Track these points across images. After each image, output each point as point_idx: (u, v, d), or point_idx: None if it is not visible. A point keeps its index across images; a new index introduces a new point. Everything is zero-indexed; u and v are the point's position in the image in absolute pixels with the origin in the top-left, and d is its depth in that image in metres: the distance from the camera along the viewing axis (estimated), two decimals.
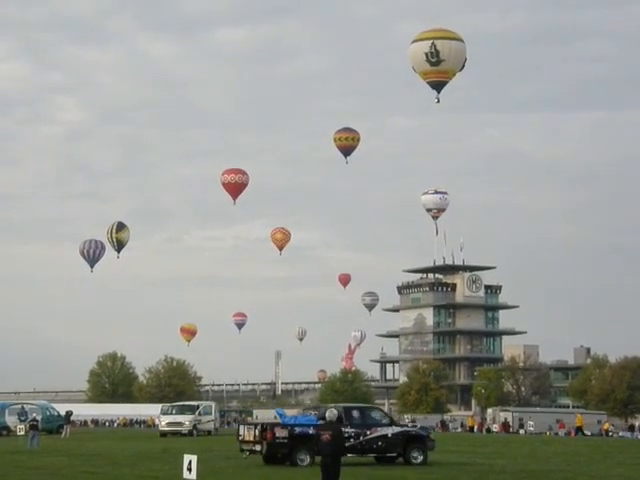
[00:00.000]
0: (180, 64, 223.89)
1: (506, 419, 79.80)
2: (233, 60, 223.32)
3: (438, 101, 50.77)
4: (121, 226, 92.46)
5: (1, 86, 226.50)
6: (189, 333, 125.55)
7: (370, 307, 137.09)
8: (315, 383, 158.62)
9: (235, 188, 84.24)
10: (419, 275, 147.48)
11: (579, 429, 69.23)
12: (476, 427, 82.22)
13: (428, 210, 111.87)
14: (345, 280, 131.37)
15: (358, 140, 78.09)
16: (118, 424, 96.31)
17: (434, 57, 49.93)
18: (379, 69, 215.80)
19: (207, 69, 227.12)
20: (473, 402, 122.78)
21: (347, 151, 77.50)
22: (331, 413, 17.71)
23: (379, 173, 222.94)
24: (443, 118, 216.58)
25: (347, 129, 79.26)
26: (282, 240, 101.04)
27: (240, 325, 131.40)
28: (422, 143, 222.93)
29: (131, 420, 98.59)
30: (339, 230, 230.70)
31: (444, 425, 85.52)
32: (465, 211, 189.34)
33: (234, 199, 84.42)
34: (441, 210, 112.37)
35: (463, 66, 50.72)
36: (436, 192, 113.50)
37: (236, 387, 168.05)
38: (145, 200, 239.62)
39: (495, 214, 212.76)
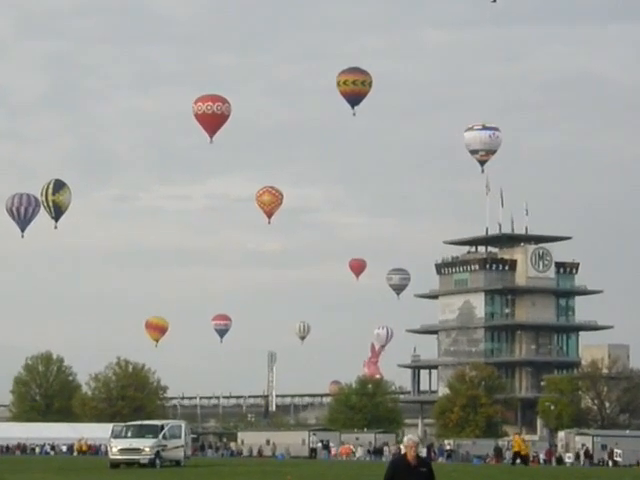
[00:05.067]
0: None
1: (584, 445, 79.92)
2: None
3: (494, 0, 51.93)
4: (59, 185, 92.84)
5: None
6: (157, 330, 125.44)
7: (399, 289, 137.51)
8: (322, 396, 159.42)
9: (212, 121, 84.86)
10: (465, 249, 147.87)
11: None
12: (542, 456, 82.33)
13: (473, 152, 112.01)
14: (358, 267, 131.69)
15: (370, 84, 79.52)
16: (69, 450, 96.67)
17: None
18: None
19: None
20: (539, 422, 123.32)
21: (355, 99, 79.01)
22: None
23: (405, 107, 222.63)
24: (492, 31, 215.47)
25: (355, 70, 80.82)
26: (271, 204, 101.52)
27: (222, 332, 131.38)
28: (463, 65, 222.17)
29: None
30: (350, 186, 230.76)
31: (499, 453, 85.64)
32: (526, 160, 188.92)
33: (210, 136, 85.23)
34: (490, 152, 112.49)
35: None
36: (484, 128, 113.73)
37: (214, 401, 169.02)
38: (85, 143, 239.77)
39: (568, 164, 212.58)
